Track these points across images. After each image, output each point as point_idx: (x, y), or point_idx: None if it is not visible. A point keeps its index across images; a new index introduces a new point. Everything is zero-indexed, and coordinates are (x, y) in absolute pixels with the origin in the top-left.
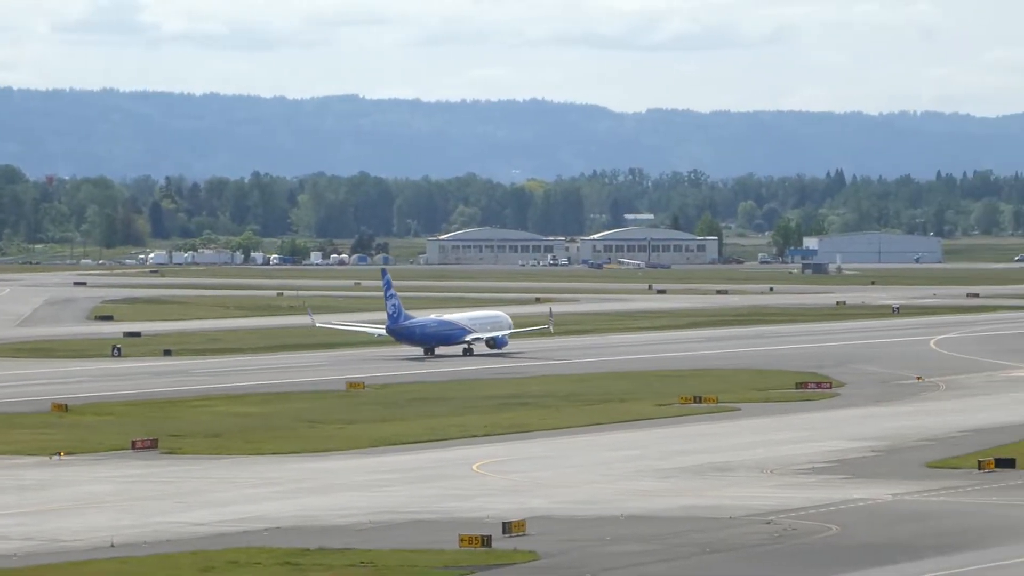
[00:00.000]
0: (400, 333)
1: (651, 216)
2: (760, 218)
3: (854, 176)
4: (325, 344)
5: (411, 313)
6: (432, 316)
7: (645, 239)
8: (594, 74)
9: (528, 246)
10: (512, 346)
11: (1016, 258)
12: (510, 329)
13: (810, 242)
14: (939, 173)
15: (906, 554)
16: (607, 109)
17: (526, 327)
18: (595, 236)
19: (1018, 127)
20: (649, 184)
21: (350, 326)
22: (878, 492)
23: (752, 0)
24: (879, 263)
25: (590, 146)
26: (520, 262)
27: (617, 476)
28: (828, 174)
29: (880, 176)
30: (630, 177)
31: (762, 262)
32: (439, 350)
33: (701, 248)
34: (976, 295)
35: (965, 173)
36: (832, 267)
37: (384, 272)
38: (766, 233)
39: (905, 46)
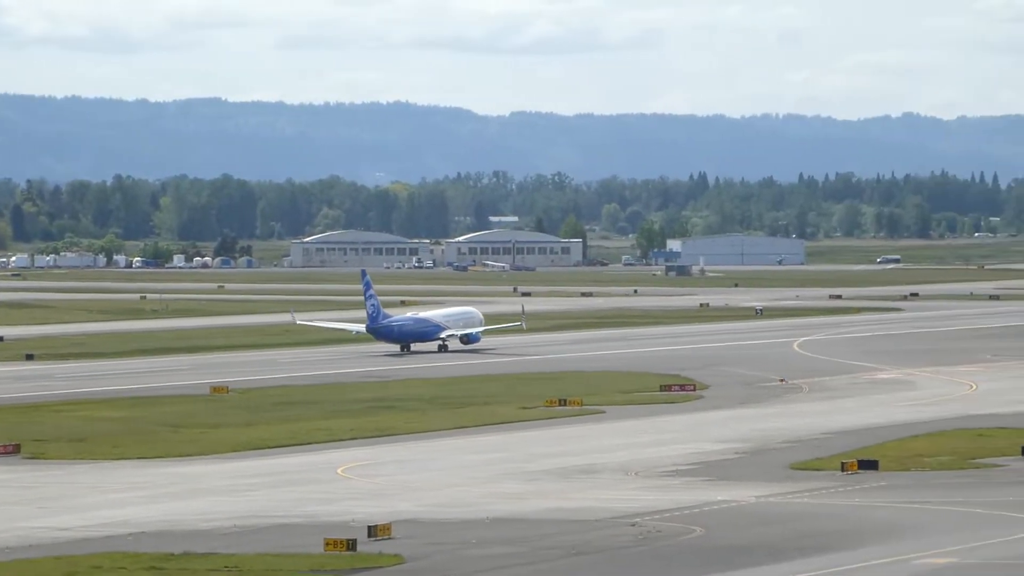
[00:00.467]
0: (379, 332)
1: (515, 219)
2: (624, 220)
3: (717, 179)
4: (197, 348)
5: (388, 312)
6: (408, 314)
7: (510, 241)
8: (458, 77)
9: (393, 249)
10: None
11: (878, 260)
12: (482, 325)
13: (674, 244)
14: (801, 175)
15: (770, 555)
16: (471, 112)
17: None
18: (460, 239)
19: (879, 129)
20: (513, 187)
21: (330, 324)
22: (742, 494)
23: (617, 4)
24: (742, 265)
25: (454, 149)
26: (385, 265)
27: (483, 479)
28: (691, 177)
29: (743, 179)
30: (494, 180)
31: (626, 264)
32: (415, 346)
33: (565, 250)
34: (839, 296)
35: (827, 175)
36: (695, 269)
37: (364, 273)
38: (630, 235)
39: (768, 49)
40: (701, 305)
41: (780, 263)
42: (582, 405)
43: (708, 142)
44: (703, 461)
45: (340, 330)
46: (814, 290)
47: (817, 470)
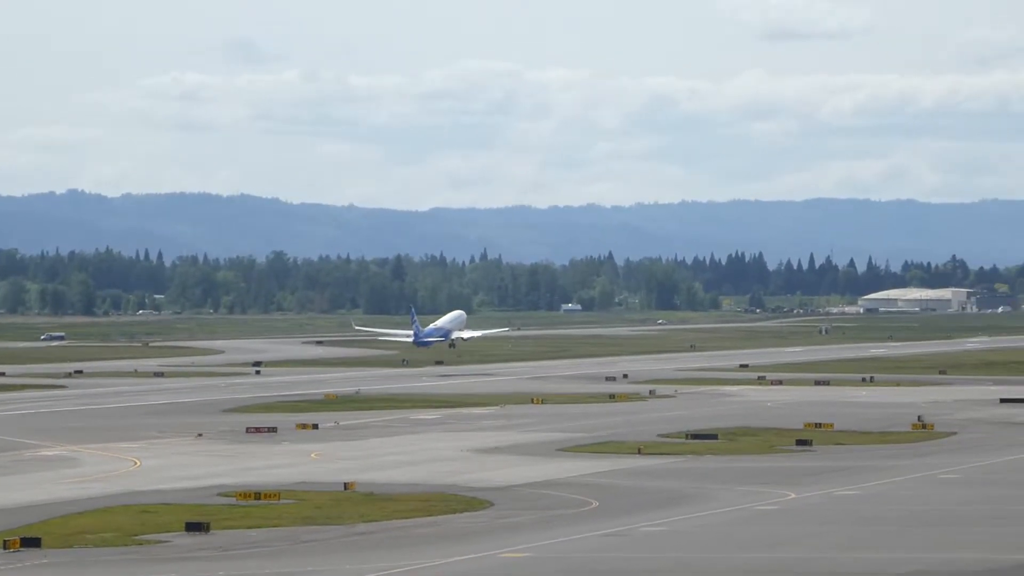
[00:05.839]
0: (419, 344)
1: None
2: None
3: None
4: None
5: (398, 331)
6: (430, 327)
7: None
8: None
9: None
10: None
11: (42, 337)
12: (464, 323)
13: None
14: None
15: None
16: None
17: None
18: None
19: (45, 205)
20: None
21: (385, 332)
22: None
23: None
24: None
25: None
26: None
27: None
28: None
29: None
30: None
31: None
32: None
33: None
34: (3, 374)
35: None
36: None
37: (412, 310)
38: None
39: None
40: None
41: None
42: None
43: None
44: None
45: (392, 338)
46: None
47: None
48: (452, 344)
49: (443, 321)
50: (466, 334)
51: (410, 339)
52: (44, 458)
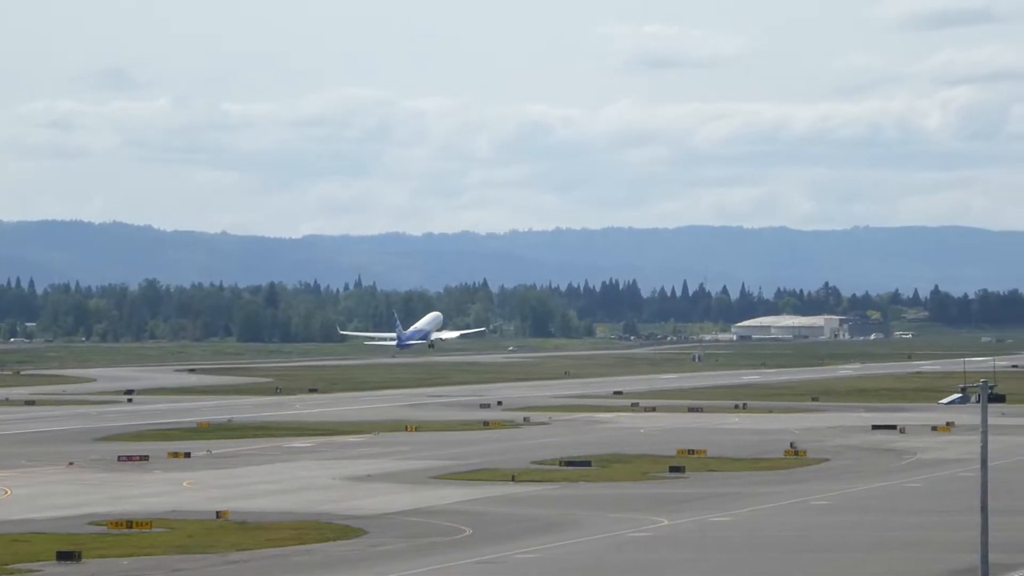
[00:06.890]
0: (402, 346)
1: None
2: None
3: None
4: None
5: (383, 334)
6: (411, 329)
7: None
8: None
9: None
10: None
11: None
12: (441, 324)
13: None
14: None
15: None
16: None
17: None
18: None
19: None
20: None
21: (369, 337)
22: None
23: None
24: None
25: None
26: None
27: None
28: None
29: None
30: None
31: None
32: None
33: None
34: None
35: None
36: None
37: (395, 314)
38: None
39: None
40: None
41: None
42: None
43: None
44: None
45: (378, 342)
46: None
47: None
48: (431, 344)
49: (422, 323)
50: (444, 335)
51: (394, 342)
52: None
